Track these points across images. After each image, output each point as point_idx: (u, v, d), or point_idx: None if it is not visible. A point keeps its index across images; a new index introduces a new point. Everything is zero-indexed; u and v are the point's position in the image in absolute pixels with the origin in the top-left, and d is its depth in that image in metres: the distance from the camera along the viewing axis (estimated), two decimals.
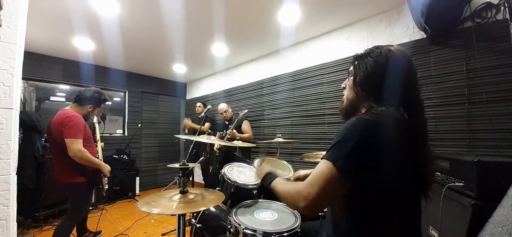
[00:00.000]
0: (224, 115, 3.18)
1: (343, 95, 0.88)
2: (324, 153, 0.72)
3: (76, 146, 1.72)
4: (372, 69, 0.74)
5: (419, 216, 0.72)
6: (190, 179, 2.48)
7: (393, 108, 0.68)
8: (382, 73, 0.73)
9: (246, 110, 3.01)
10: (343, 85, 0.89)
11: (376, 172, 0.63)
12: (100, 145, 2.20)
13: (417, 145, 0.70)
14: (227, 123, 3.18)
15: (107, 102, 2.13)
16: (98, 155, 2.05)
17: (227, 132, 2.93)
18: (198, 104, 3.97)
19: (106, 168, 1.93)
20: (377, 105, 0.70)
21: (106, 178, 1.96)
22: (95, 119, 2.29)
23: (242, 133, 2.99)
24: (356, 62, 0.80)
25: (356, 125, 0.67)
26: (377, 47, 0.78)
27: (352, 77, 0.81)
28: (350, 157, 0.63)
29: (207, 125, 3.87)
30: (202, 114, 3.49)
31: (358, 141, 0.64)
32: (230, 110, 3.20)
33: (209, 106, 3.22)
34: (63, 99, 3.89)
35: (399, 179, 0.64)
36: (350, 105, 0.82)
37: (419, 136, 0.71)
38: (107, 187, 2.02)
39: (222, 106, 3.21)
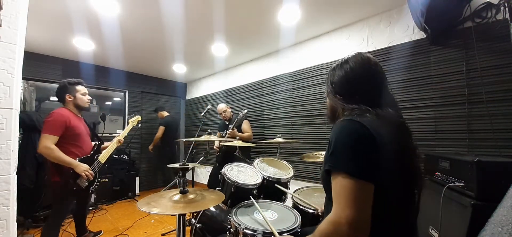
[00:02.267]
0: (223, 115, 3.18)
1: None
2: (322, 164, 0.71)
3: (44, 141, 1.71)
4: (339, 77, 0.82)
5: (413, 208, 0.73)
6: (190, 178, 2.48)
7: (372, 108, 0.72)
8: (349, 78, 0.80)
9: (245, 111, 3.01)
10: (326, 93, 0.95)
11: (379, 166, 0.63)
12: (116, 141, 2.18)
13: (401, 137, 0.73)
14: (227, 123, 3.18)
15: (79, 82, 2.02)
16: (97, 153, 2.02)
17: (227, 131, 2.94)
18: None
19: (79, 167, 1.81)
20: (351, 108, 0.75)
21: (85, 180, 1.84)
22: (132, 119, 2.47)
23: (242, 133, 3.00)
24: (329, 73, 0.89)
25: (343, 127, 0.69)
26: (345, 57, 0.85)
27: (326, 87, 0.89)
28: (356, 158, 0.63)
29: (160, 129, 4.08)
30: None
31: (354, 140, 0.65)
32: (229, 110, 3.20)
33: (209, 107, 3.22)
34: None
35: (390, 171, 0.66)
36: (330, 111, 0.90)
37: (400, 129, 0.74)
38: (95, 188, 1.96)
39: (221, 106, 3.22)
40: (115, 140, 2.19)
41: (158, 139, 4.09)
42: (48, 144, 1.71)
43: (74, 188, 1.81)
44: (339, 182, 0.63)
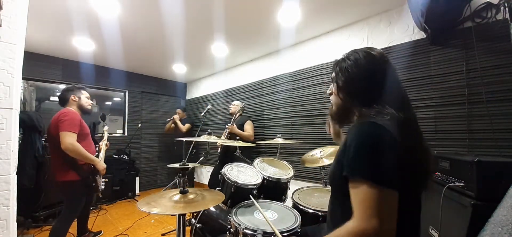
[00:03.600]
0: (231, 108, 3.22)
1: (330, 101, 0.89)
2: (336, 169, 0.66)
3: (68, 139, 1.72)
4: (354, 74, 0.75)
5: (420, 211, 0.73)
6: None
7: (390, 108, 0.68)
8: (364, 76, 0.74)
9: (243, 104, 3.04)
10: (329, 91, 0.89)
11: (402, 172, 0.61)
12: (105, 144, 2.22)
13: (417, 139, 0.71)
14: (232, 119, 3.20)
15: (84, 88, 2.12)
16: (98, 155, 2.05)
17: (227, 125, 2.95)
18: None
19: (101, 165, 1.92)
20: (368, 108, 0.71)
21: (101, 179, 1.94)
22: (105, 127, 2.49)
23: (242, 132, 2.99)
24: (337, 68, 0.81)
25: (365, 131, 0.65)
26: (355, 51, 0.79)
27: (335, 84, 0.82)
28: (381, 165, 0.60)
29: (187, 125, 4.01)
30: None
31: (379, 146, 0.61)
32: (238, 108, 3.17)
33: (209, 107, 3.22)
34: (59, 104, 3.89)
35: (410, 175, 0.64)
36: (339, 111, 0.83)
37: (416, 130, 0.72)
38: (102, 187, 2.00)
39: (234, 101, 3.27)
40: (103, 143, 2.25)
41: (182, 130, 4.00)
42: (72, 140, 1.74)
43: (93, 184, 1.88)
44: (363, 190, 0.59)
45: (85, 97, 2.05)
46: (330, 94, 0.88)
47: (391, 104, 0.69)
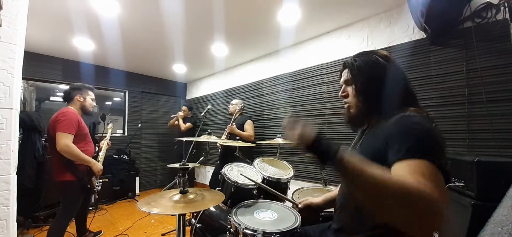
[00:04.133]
0: (230, 108, 3.21)
1: (344, 103, 0.88)
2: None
3: (63, 140, 1.72)
4: (376, 76, 0.77)
5: None
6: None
7: (417, 106, 0.72)
8: (386, 79, 0.76)
9: (242, 104, 3.04)
10: (342, 93, 0.88)
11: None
12: (106, 143, 2.21)
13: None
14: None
15: (92, 88, 2.12)
16: (97, 155, 2.05)
17: (227, 125, 2.95)
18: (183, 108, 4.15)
19: (96, 166, 1.89)
20: (390, 110, 0.72)
21: (98, 180, 1.92)
22: (110, 125, 2.48)
23: (243, 132, 2.99)
24: (354, 70, 0.82)
25: (415, 121, 0.64)
26: (372, 53, 0.81)
27: (353, 86, 0.82)
28: (439, 151, 0.60)
29: (188, 124, 3.98)
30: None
31: (431, 133, 0.62)
32: (237, 106, 3.17)
33: (209, 107, 3.21)
34: (63, 99, 3.89)
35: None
36: (360, 113, 0.82)
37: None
38: (98, 188, 1.99)
39: (233, 100, 3.26)
40: (105, 143, 2.24)
41: (183, 129, 3.94)
42: (67, 141, 1.73)
43: (89, 185, 1.86)
44: (432, 172, 0.53)
45: (90, 99, 2.05)
46: (344, 96, 0.86)
47: (410, 103, 0.73)
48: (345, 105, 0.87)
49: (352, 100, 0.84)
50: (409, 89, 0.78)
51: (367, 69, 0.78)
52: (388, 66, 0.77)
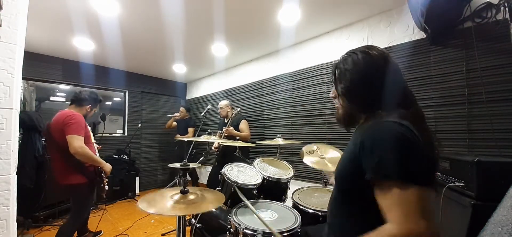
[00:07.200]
0: (220, 111, 3.19)
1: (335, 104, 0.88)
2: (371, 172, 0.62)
3: (77, 142, 1.72)
4: (354, 80, 0.74)
5: None
6: (189, 177, 2.48)
7: (398, 107, 0.68)
8: (365, 81, 0.73)
9: (239, 109, 3.03)
10: (332, 94, 0.87)
11: (428, 170, 0.62)
12: (95, 146, 2.22)
13: (430, 135, 0.70)
14: (226, 121, 3.18)
15: (101, 101, 2.19)
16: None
17: (223, 128, 2.94)
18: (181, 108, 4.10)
19: (108, 166, 1.94)
20: (374, 110, 0.71)
21: (106, 178, 1.96)
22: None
23: (240, 132, 2.99)
24: (336, 73, 0.80)
25: (388, 131, 0.62)
26: (353, 52, 0.78)
27: (339, 88, 0.81)
28: (414, 164, 0.58)
29: (191, 130, 3.97)
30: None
31: (407, 145, 0.59)
32: (227, 108, 3.16)
33: (209, 107, 3.21)
34: (63, 99, 3.89)
35: (431, 172, 0.65)
36: (347, 114, 0.81)
37: (427, 126, 0.72)
38: (107, 187, 2.03)
39: (221, 102, 3.22)
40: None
41: (190, 136, 3.91)
42: (81, 143, 1.75)
43: (102, 185, 1.91)
44: (399, 192, 0.56)
45: (94, 112, 2.11)
46: (334, 97, 0.86)
47: (398, 103, 0.69)
48: (335, 106, 0.88)
49: (340, 101, 0.84)
50: (395, 89, 0.71)
51: (345, 73, 0.77)
52: (367, 69, 0.73)
